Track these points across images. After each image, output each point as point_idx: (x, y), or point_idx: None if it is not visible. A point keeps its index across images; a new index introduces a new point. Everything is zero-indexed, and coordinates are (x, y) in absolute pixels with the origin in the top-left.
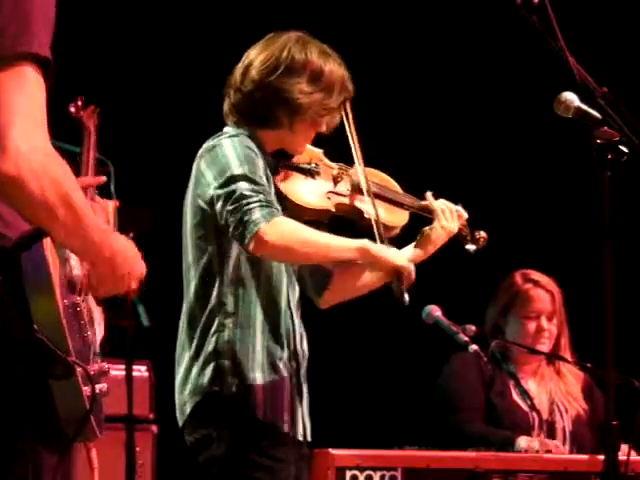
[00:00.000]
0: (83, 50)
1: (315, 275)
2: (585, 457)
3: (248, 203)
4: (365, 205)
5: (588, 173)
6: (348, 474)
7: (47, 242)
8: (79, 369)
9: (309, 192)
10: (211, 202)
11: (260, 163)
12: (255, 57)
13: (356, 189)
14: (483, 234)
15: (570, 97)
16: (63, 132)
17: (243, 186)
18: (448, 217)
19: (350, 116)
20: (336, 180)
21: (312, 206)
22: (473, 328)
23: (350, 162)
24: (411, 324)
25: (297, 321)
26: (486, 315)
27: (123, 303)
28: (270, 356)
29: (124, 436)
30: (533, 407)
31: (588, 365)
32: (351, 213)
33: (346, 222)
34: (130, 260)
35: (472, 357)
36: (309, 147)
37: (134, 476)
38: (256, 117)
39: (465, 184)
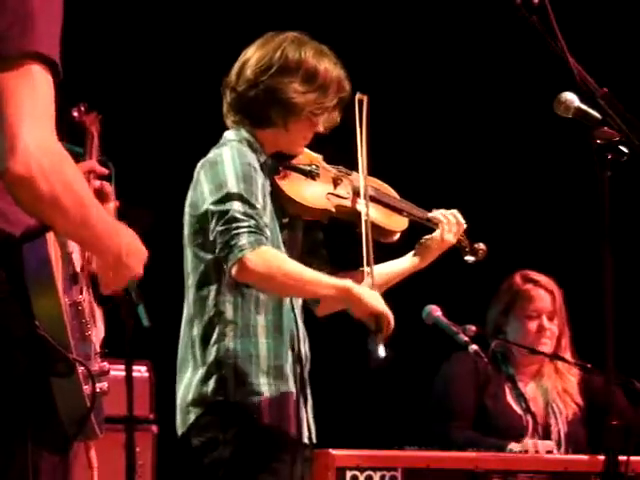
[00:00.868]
0: (83, 50)
1: None
2: (585, 457)
3: (238, 227)
4: (364, 208)
5: (588, 173)
6: (348, 474)
7: (50, 239)
8: (80, 367)
9: (310, 192)
10: (206, 215)
11: (259, 179)
12: (250, 56)
13: (356, 192)
14: (482, 246)
15: (570, 97)
16: (64, 134)
17: (236, 207)
18: (452, 228)
19: (364, 113)
20: (336, 183)
21: (313, 205)
22: (473, 328)
23: (350, 167)
24: (411, 324)
25: (301, 324)
26: (487, 315)
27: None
28: (275, 361)
29: (124, 437)
30: (528, 410)
31: (588, 365)
32: (350, 215)
33: (345, 228)
34: (135, 253)
35: (470, 359)
36: (309, 152)
37: (134, 476)
38: (252, 117)
39: (465, 185)
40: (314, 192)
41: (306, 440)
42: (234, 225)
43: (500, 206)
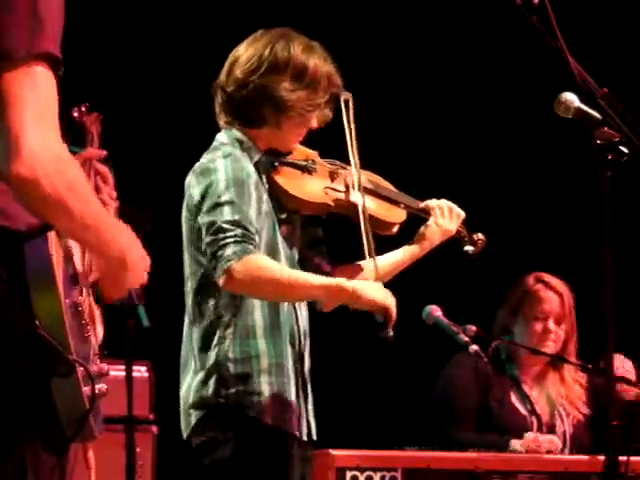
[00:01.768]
0: (83, 50)
1: None
2: (585, 457)
3: (224, 237)
4: (360, 200)
5: (588, 173)
6: (348, 474)
7: (52, 238)
8: (80, 368)
9: (308, 187)
10: (199, 224)
11: (252, 183)
12: (239, 55)
13: (353, 186)
14: (481, 236)
15: (570, 98)
16: (65, 135)
17: (224, 217)
18: (445, 215)
19: (351, 112)
20: (333, 177)
21: (312, 200)
22: (473, 328)
23: (346, 161)
24: (411, 324)
25: (302, 322)
26: (496, 314)
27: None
28: (275, 359)
29: (124, 437)
30: (533, 411)
31: (589, 366)
32: (348, 209)
33: (344, 222)
34: (137, 259)
35: (471, 360)
36: (304, 148)
37: (134, 477)
38: (243, 117)
39: (465, 185)
40: (312, 187)
41: (305, 438)
42: (221, 236)
43: (500, 206)
